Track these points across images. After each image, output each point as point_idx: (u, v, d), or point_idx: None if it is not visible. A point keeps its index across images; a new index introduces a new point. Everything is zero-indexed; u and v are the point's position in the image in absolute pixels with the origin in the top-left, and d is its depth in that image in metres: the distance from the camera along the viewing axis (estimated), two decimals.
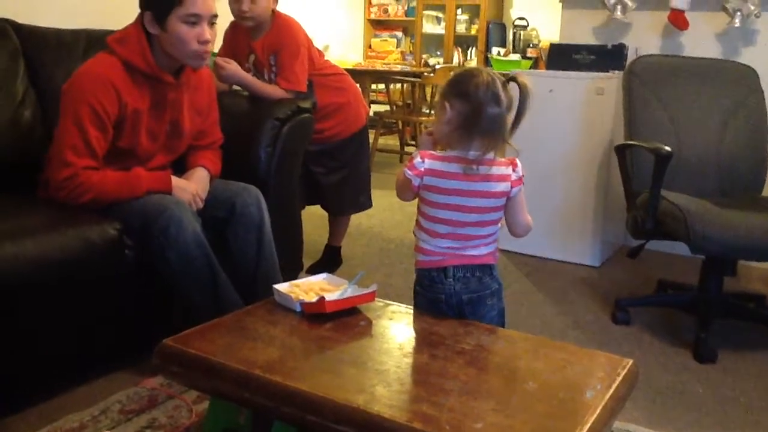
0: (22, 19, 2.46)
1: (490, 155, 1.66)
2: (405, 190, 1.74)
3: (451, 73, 1.76)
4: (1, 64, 2.30)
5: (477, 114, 1.63)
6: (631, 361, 1.51)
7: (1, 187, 2.13)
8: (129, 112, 2.05)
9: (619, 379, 1.44)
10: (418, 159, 1.68)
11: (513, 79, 1.70)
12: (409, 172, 1.68)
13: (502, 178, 1.69)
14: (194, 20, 2.01)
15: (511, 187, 1.70)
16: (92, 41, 2.51)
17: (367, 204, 3.17)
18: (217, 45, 2.51)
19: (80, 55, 2.44)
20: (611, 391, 1.38)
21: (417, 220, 1.77)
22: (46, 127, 2.31)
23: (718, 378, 2.29)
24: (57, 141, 2.03)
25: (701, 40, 3.48)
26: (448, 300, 1.73)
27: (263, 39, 2.73)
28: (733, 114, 2.87)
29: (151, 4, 2.03)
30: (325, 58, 3.07)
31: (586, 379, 1.45)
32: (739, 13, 3.30)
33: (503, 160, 1.70)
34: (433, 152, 1.70)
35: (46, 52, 2.43)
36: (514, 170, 1.70)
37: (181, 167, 2.27)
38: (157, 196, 2.03)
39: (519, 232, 1.77)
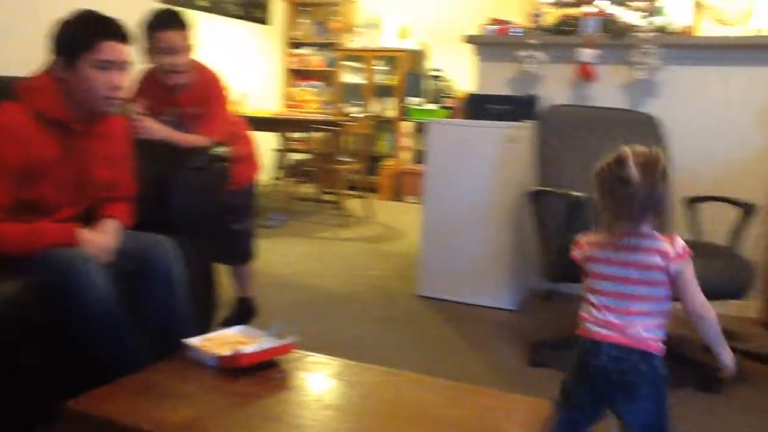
0: None
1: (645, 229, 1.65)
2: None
3: None
4: None
5: (606, 198, 1.66)
6: (549, 404, 1.52)
7: None
8: (35, 162, 1.97)
9: (539, 422, 1.45)
10: (583, 236, 1.75)
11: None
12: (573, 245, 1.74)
13: (655, 251, 1.64)
14: (105, 66, 1.97)
15: (669, 262, 1.64)
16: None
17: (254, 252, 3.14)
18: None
19: None
20: None
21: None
22: None
23: None
24: None
25: (608, 92, 3.65)
26: (594, 376, 1.65)
27: (187, 91, 2.70)
28: None
29: (61, 49, 1.98)
30: (245, 107, 3.07)
31: (508, 424, 1.46)
32: (642, 67, 3.49)
33: (661, 234, 1.66)
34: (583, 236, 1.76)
35: None
36: (672, 245, 1.65)
37: (90, 220, 2.18)
38: (62, 250, 1.93)
39: (692, 313, 1.72)
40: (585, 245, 1.73)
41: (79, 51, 1.95)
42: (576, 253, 1.73)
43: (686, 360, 2.79)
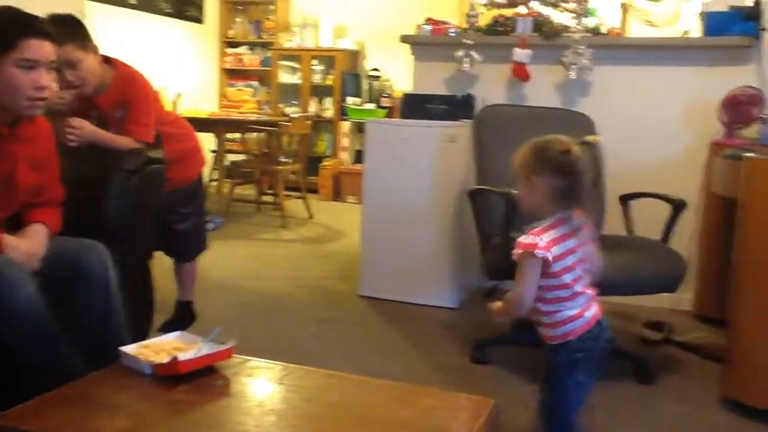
0: None
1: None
2: (532, 280, 1.71)
3: (531, 146, 1.80)
4: None
5: (576, 187, 1.70)
6: (492, 402, 1.53)
7: None
8: None
9: (482, 420, 1.45)
10: (536, 239, 1.69)
11: (585, 142, 1.76)
12: (540, 252, 1.68)
13: (584, 225, 1.77)
14: (29, 65, 1.88)
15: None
16: None
17: (206, 244, 3.13)
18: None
19: None
20: None
21: (544, 298, 1.75)
22: None
23: None
24: None
25: (542, 91, 3.71)
26: (601, 357, 1.79)
27: (108, 94, 2.61)
28: None
29: None
30: (179, 107, 3.00)
31: (453, 423, 1.46)
32: (574, 67, 3.57)
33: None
34: (537, 229, 1.72)
35: None
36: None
37: (16, 226, 2.08)
38: None
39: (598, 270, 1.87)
40: (550, 245, 1.70)
41: (1, 50, 1.86)
42: (548, 255, 1.70)
43: (622, 353, 2.86)
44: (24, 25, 1.88)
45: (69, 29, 2.44)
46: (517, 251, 1.72)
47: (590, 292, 1.79)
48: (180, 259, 3.04)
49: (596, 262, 1.84)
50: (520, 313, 1.79)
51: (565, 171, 1.71)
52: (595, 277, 1.85)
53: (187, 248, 3.01)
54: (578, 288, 1.75)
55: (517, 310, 1.78)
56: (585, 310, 1.77)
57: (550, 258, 1.70)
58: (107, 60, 2.62)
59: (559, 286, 1.75)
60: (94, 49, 2.54)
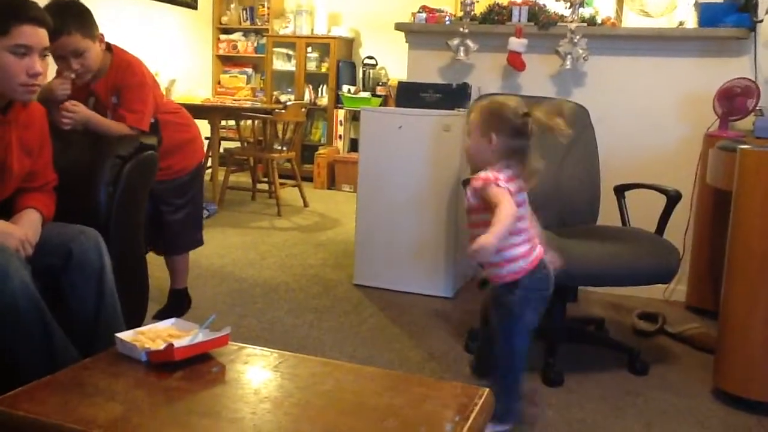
0: None
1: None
2: (510, 200, 1.85)
3: (487, 104, 1.96)
4: None
5: (525, 149, 1.89)
6: (487, 390, 1.53)
7: None
8: None
9: (477, 409, 1.45)
10: (495, 175, 1.86)
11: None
12: (503, 183, 1.85)
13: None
14: (23, 51, 1.87)
15: None
16: None
17: (202, 240, 3.13)
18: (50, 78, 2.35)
19: None
20: (469, 422, 1.39)
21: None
22: None
23: (565, 400, 2.39)
24: None
25: (537, 81, 3.70)
26: (550, 288, 1.97)
27: (105, 80, 2.61)
28: (569, 149, 3.07)
29: None
30: (173, 93, 2.99)
31: (445, 411, 1.46)
32: (569, 57, 3.56)
33: None
34: (490, 171, 1.87)
35: None
36: None
37: (9, 212, 2.07)
38: None
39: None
40: (514, 192, 1.89)
41: None
42: (509, 188, 1.87)
43: (615, 343, 2.87)
44: (18, 10, 1.87)
45: (76, 18, 2.44)
46: (476, 183, 1.87)
47: (533, 230, 1.97)
48: (170, 252, 3.02)
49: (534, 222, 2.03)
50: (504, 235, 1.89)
51: (520, 133, 1.87)
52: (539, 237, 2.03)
53: (176, 241, 2.98)
54: (523, 225, 1.92)
55: (507, 230, 1.86)
56: (531, 249, 1.94)
57: (510, 191, 1.87)
58: (107, 46, 2.61)
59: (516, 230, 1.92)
60: (99, 38, 2.54)
